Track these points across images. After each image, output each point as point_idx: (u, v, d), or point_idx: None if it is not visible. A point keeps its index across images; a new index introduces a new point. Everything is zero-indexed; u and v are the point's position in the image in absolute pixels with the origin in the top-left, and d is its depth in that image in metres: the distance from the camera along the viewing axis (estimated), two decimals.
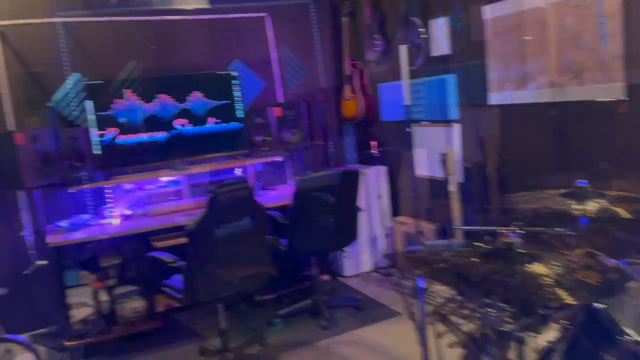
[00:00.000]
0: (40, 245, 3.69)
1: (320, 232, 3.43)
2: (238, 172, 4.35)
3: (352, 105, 4.66)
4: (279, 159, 4.42)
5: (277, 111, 4.35)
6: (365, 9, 4.39)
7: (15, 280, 3.81)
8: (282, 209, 3.65)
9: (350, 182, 3.45)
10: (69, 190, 3.69)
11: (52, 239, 3.42)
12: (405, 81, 3.78)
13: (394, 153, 4.56)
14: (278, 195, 4.22)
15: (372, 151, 4.23)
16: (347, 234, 3.57)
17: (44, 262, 3.76)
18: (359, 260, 4.48)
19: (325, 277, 4.34)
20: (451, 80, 3.76)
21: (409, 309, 3.58)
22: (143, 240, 3.69)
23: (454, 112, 3.78)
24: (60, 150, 3.64)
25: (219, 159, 4.39)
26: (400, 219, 4.47)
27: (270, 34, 4.61)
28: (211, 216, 2.70)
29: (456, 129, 3.77)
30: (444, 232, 3.87)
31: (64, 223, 3.71)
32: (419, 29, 3.91)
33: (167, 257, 2.83)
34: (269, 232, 3.18)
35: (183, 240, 3.19)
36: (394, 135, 4.51)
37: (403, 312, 3.66)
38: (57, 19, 3.85)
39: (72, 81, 3.93)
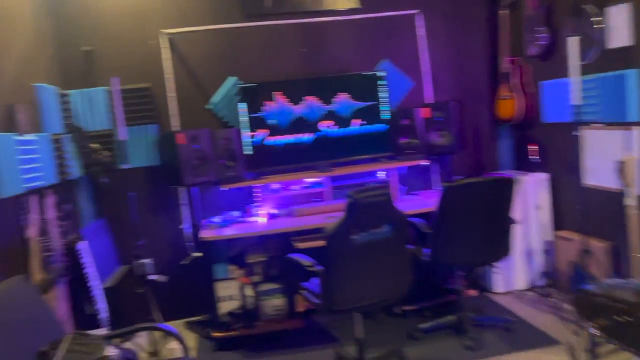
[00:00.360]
0: (196, 238, 3.95)
1: (467, 244, 3.15)
2: (381, 175, 4.22)
3: (509, 105, 4.25)
4: (424, 163, 4.20)
5: (424, 112, 4.13)
6: None
7: (174, 270, 4.14)
8: (426, 217, 3.44)
9: (504, 190, 3.12)
10: (221, 188, 3.89)
11: (205, 234, 3.63)
12: (574, 78, 3.31)
13: (558, 159, 4.05)
14: (422, 202, 4.00)
15: (531, 156, 3.80)
16: (498, 247, 3.23)
17: (199, 254, 4.01)
18: (512, 276, 4.07)
19: (472, 292, 4.01)
20: (632, 75, 3.20)
21: (569, 342, 3.12)
22: (286, 239, 3.76)
23: (634, 114, 3.21)
24: (215, 150, 3.85)
25: (363, 161, 4.31)
26: (563, 233, 3.95)
27: (421, 31, 4.40)
28: (349, 222, 2.60)
29: (637, 133, 3.20)
30: (618, 254, 3.32)
31: (216, 219, 3.93)
32: (592, 18, 3.40)
33: (305, 261, 2.81)
34: (410, 241, 3.00)
35: (323, 243, 3.15)
36: (558, 139, 4.01)
37: (562, 341, 3.21)
38: (218, 26, 4.09)
39: (228, 84, 4.14)
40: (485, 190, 3.09)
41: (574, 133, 3.39)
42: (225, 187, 3.90)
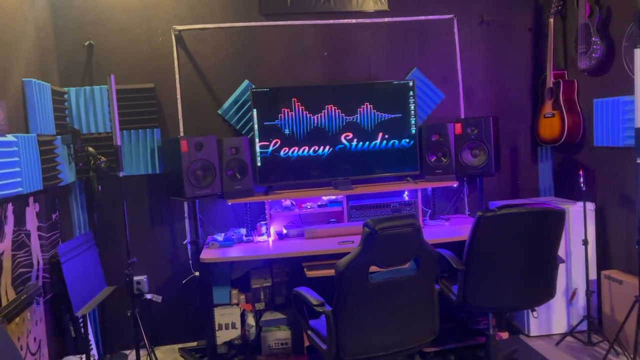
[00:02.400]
0: (197, 256, 3.56)
1: (504, 285, 2.69)
2: (406, 196, 3.79)
3: (553, 124, 3.78)
4: (455, 184, 3.75)
5: (457, 128, 3.69)
6: (582, 5, 3.50)
7: (172, 289, 3.76)
8: (454, 247, 2.99)
9: (551, 224, 2.65)
10: (228, 202, 3.51)
11: (205, 255, 3.24)
12: (638, 95, 2.84)
13: (608, 187, 3.56)
14: (450, 229, 3.55)
15: (579, 183, 3.32)
16: (540, 290, 2.76)
17: (197, 274, 3.63)
18: (550, 318, 3.58)
19: (504, 335, 3.53)
20: None
21: None
22: (296, 264, 3.35)
23: None
24: (222, 159, 3.48)
25: (386, 179, 3.89)
26: (611, 272, 3.46)
27: (455, 38, 3.97)
28: (366, 257, 2.17)
29: None
30: None
31: (219, 237, 3.54)
32: None
33: (312, 298, 2.38)
34: (437, 280, 2.56)
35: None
36: (610, 165, 3.52)
37: None
38: (233, 24, 3.72)
39: (241, 88, 3.77)
40: (529, 223, 2.63)
41: (638, 160, 2.89)
42: (231, 202, 3.50)
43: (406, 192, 3.78)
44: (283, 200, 3.65)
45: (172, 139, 3.48)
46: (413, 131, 3.78)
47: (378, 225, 2.13)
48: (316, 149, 3.69)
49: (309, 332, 2.53)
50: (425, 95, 3.95)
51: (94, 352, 3.35)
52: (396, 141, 3.77)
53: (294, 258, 3.25)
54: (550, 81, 3.79)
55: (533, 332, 3.58)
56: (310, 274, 3.08)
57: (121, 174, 3.21)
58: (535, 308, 3.18)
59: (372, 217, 3.60)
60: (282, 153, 3.66)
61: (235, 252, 3.27)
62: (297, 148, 3.67)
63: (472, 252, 2.66)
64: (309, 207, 3.69)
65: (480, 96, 4.09)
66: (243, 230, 3.68)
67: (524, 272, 2.69)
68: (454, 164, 3.70)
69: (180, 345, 3.72)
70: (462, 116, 4.03)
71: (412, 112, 3.77)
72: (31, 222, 2.88)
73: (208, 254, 3.25)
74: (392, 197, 3.76)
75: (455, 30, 3.96)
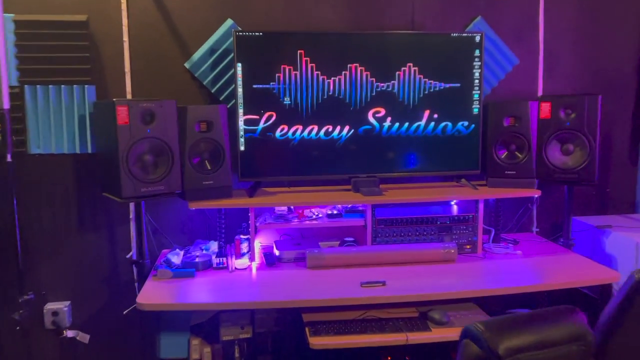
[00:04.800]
0: (141, 277, 2.33)
1: None
2: (454, 207, 2.56)
3: None
4: (536, 194, 2.51)
5: (544, 109, 2.45)
6: None
7: (111, 322, 2.55)
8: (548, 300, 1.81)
9: None
10: (190, 207, 2.26)
11: (146, 295, 2.02)
12: None
13: None
14: (536, 265, 2.34)
15: None
16: None
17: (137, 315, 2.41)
18: None
19: None
20: None
21: None
22: (292, 310, 2.14)
23: None
24: (185, 140, 2.23)
25: (430, 179, 2.68)
26: None
27: None
28: None
29: None
30: None
31: (176, 257, 2.30)
32: None
33: None
34: None
35: (361, 339, 1.56)
36: None
37: None
38: None
39: (222, 32, 2.50)
40: None
41: None
42: (195, 206, 2.26)
43: (454, 202, 2.56)
44: (276, 205, 2.41)
45: (105, 103, 2.22)
46: (476, 110, 2.54)
47: (503, 345, 0.90)
48: (329, 129, 2.44)
49: None
50: (492, 58, 2.70)
51: None
52: (449, 124, 2.53)
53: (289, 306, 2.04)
54: None
55: None
56: (317, 342, 1.86)
57: (8, 157, 1.95)
58: None
59: (409, 237, 2.40)
60: (278, 133, 2.41)
61: (196, 291, 2.05)
62: (301, 127, 2.42)
63: (620, 332, 1.46)
64: (314, 216, 2.46)
65: (566, 66, 2.85)
66: (214, 246, 2.45)
67: None
68: (533, 163, 2.48)
69: None
70: (540, 92, 2.79)
71: (477, 81, 2.53)
72: None
73: (150, 294, 2.02)
74: (435, 207, 2.53)
75: None
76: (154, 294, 2.01)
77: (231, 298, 1.97)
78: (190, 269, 2.19)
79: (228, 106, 2.44)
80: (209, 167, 2.30)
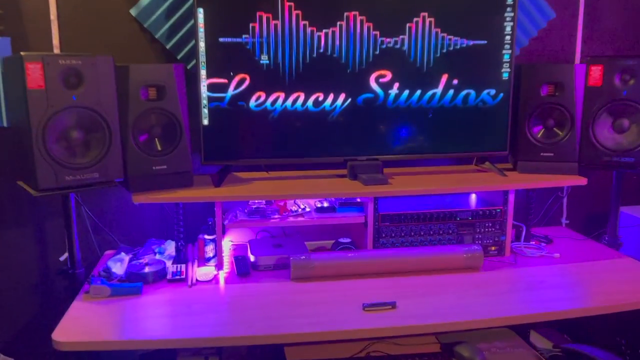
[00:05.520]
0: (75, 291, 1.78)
1: None
2: (473, 200, 2.04)
3: None
4: (583, 181, 1.98)
5: (594, 74, 1.92)
6: None
7: (41, 345, 2.01)
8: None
9: None
10: (134, 201, 1.69)
11: (61, 333, 1.46)
12: None
13: None
14: (586, 278, 1.83)
15: None
16: None
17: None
18: None
19: None
20: None
21: None
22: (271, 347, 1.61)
23: None
24: (127, 109, 1.66)
25: (442, 161, 2.16)
26: None
27: None
28: None
29: None
30: None
31: (117, 266, 1.75)
32: None
33: None
34: None
35: None
36: None
37: None
38: None
39: None
40: None
41: None
42: (142, 199, 1.70)
43: (473, 195, 2.03)
44: (250, 198, 1.86)
45: (12, 59, 1.62)
46: (505, 75, 2.00)
47: None
48: (320, 98, 1.88)
49: None
50: (522, 10, 2.15)
51: None
52: (473, 92, 1.98)
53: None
54: None
55: None
56: None
57: None
58: None
59: (420, 236, 1.89)
60: (252, 103, 1.85)
61: (141, 317, 1.51)
62: (282, 95, 1.86)
63: None
64: (299, 210, 1.92)
65: (610, 24, 2.31)
66: (171, 248, 1.91)
67: None
68: (577, 143, 1.96)
69: None
70: (578, 54, 2.26)
71: (508, 37, 1.98)
72: None
73: (72, 325, 1.47)
74: (453, 199, 2.01)
75: None
76: (79, 325, 1.46)
77: (188, 331, 1.42)
78: (135, 284, 1.64)
79: (188, 67, 1.87)
80: (160, 148, 1.73)
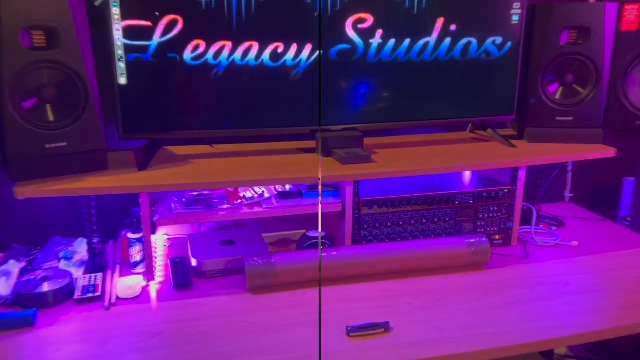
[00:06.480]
0: None
1: None
2: (467, 177, 1.65)
3: None
4: (605, 153, 1.60)
5: (626, 16, 1.52)
6: None
7: None
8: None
9: None
10: (18, 195, 1.19)
11: None
12: None
13: None
14: (614, 275, 1.48)
15: None
16: None
17: None
18: None
19: None
20: None
21: None
22: None
23: None
24: (1, 62, 1.15)
25: (432, 129, 1.75)
26: None
27: None
28: None
29: None
30: None
31: (2, 283, 1.27)
32: None
33: None
34: None
35: None
36: None
37: None
38: None
39: None
40: None
41: None
42: (30, 193, 1.20)
43: (467, 172, 1.63)
44: (187, 187, 1.38)
45: None
46: (515, 18, 1.57)
47: None
48: (280, 50, 1.41)
49: None
50: None
51: None
52: (475, 41, 1.55)
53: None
54: None
55: None
56: None
57: None
58: None
59: (411, 226, 1.49)
60: (188, 55, 1.35)
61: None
62: (229, 44, 1.37)
63: None
64: (255, 196, 1.47)
65: None
66: (82, 250, 1.43)
67: None
68: (602, 106, 1.57)
69: None
70: None
71: None
72: None
73: None
74: (449, 178, 1.60)
75: None
76: None
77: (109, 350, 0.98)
78: (26, 313, 1.17)
79: (95, 3, 1.36)
80: (53, 118, 1.23)
